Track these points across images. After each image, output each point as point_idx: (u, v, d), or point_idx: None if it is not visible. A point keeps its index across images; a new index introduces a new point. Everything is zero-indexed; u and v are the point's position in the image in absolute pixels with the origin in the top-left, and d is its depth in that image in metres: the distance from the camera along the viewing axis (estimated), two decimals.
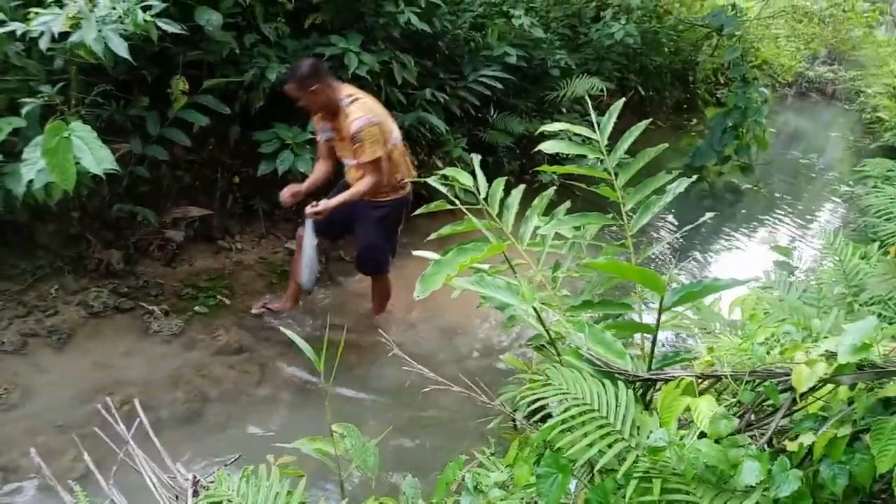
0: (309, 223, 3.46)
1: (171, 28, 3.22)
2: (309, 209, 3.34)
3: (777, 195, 7.35)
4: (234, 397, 3.23)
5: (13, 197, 3.06)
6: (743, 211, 6.96)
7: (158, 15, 3.15)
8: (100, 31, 2.89)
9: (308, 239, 3.49)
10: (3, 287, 3.50)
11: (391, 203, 3.53)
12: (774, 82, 12.05)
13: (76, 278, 3.70)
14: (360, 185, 3.38)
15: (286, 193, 3.47)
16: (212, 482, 1.54)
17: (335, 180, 3.63)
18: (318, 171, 3.59)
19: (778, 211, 6.83)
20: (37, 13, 2.93)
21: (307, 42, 4.40)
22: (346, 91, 3.38)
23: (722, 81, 10.31)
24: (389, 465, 2.74)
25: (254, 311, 3.81)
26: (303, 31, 4.44)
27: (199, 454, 2.74)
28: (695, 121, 9.70)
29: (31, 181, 2.86)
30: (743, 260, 5.62)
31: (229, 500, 1.44)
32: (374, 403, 3.31)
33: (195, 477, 1.85)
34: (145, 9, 3.07)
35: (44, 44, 2.91)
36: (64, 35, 2.96)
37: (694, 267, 5.35)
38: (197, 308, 3.79)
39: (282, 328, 1.88)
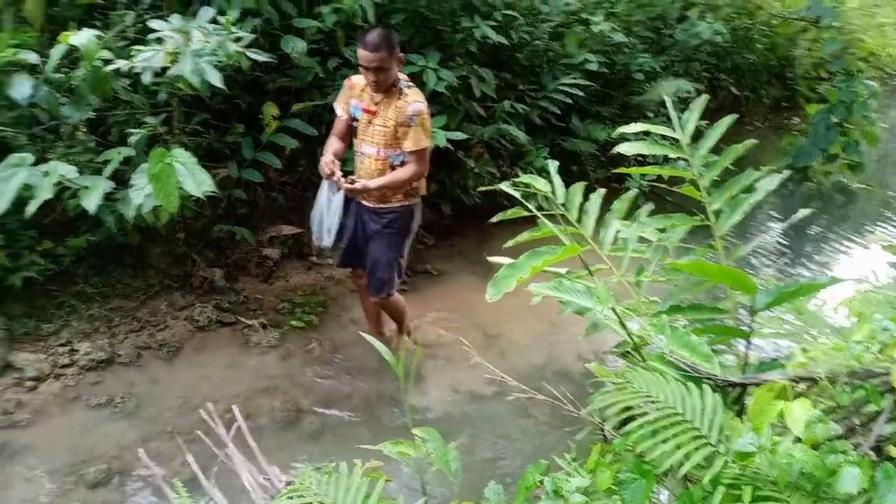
0: (328, 184, 3.16)
1: (261, 57, 3.41)
2: (345, 182, 3.04)
3: (891, 194, 6.83)
4: (327, 406, 3.34)
5: (125, 220, 3.32)
6: (854, 212, 6.51)
7: (248, 46, 3.35)
8: (196, 64, 3.10)
9: (326, 192, 3.17)
10: (119, 304, 3.80)
11: (398, 209, 3.22)
12: (883, 74, 11.21)
13: (183, 295, 3.96)
14: (402, 171, 3.09)
15: (327, 163, 3.10)
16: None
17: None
18: (336, 145, 3.22)
19: (893, 210, 6.34)
20: (139, 50, 3.18)
21: None
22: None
23: (824, 76, 9.72)
24: (472, 472, 2.75)
25: None
26: None
27: (293, 459, 2.86)
28: (796, 119, 9.18)
29: (140, 205, 3.10)
30: (854, 262, 5.25)
31: (311, 495, 1.49)
32: (455, 411, 3.34)
33: (288, 478, 1.93)
34: (236, 40, 3.28)
35: (147, 78, 3.16)
36: (164, 69, 3.20)
37: (803, 270, 5.06)
38: (293, 322, 3.96)
39: (363, 334, 1.94)
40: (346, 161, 3.35)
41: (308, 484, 1.54)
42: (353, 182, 3.05)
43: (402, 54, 3.06)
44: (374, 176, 3.12)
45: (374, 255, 3.30)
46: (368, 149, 3.14)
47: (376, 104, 3.08)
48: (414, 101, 3.03)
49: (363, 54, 2.93)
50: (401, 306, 3.56)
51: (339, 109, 3.23)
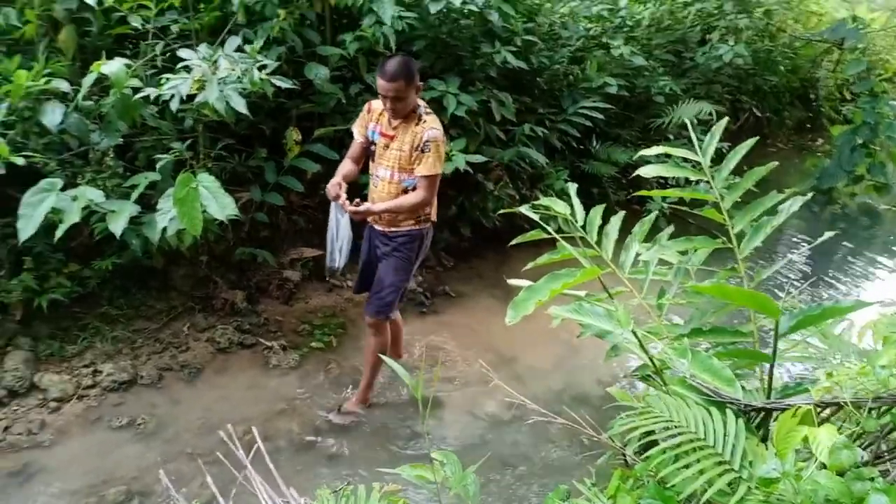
0: (335, 206, 3.15)
1: (285, 84, 3.48)
2: (350, 206, 3.05)
3: None
4: (347, 429, 3.34)
5: (150, 244, 3.38)
6: (881, 233, 6.40)
7: (273, 73, 3.42)
8: (221, 91, 3.18)
9: (335, 214, 3.16)
10: (142, 326, 3.85)
11: (409, 233, 3.21)
12: None
13: (205, 317, 4.00)
14: (410, 196, 3.10)
15: (334, 185, 3.10)
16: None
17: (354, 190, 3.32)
18: (348, 167, 3.22)
19: None
20: (167, 78, 3.27)
21: None
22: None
23: (847, 97, 9.63)
24: (491, 496, 2.72)
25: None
26: None
27: (311, 481, 2.85)
28: (820, 140, 9.11)
29: (164, 228, 3.16)
30: (881, 285, 5.15)
31: None
32: (473, 435, 3.31)
33: (306, 501, 1.93)
34: (261, 68, 3.35)
35: (174, 105, 3.23)
36: (191, 97, 3.28)
37: (828, 294, 4.97)
38: (313, 343, 3.97)
39: (382, 357, 1.94)
40: (364, 185, 3.39)
41: None
42: (357, 205, 3.06)
43: (420, 82, 3.08)
44: (385, 199, 3.14)
45: (380, 276, 3.29)
46: (383, 172, 3.15)
47: (394, 129, 3.10)
48: (431, 127, 3.04)
49: (381, 83, 2.96)
50: (386, 340, 3.42)
51: (357, 133, 3.26)
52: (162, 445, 3.15)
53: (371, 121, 3.19)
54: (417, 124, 3.06)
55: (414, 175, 3.09)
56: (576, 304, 1.78)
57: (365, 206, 3.08)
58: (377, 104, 3.17)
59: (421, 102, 3.13)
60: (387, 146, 3.12)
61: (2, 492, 2.84)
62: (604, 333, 1.95)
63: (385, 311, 3.31)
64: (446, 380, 3.70)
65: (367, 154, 3.25)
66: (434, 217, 3.28)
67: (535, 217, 1.96)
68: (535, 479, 3.03)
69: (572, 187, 2.27)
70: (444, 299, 4.55)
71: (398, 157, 3.09)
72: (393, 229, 3.21)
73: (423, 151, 3.04)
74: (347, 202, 3.07)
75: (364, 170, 3.31)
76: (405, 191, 3.14)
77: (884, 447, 1.41)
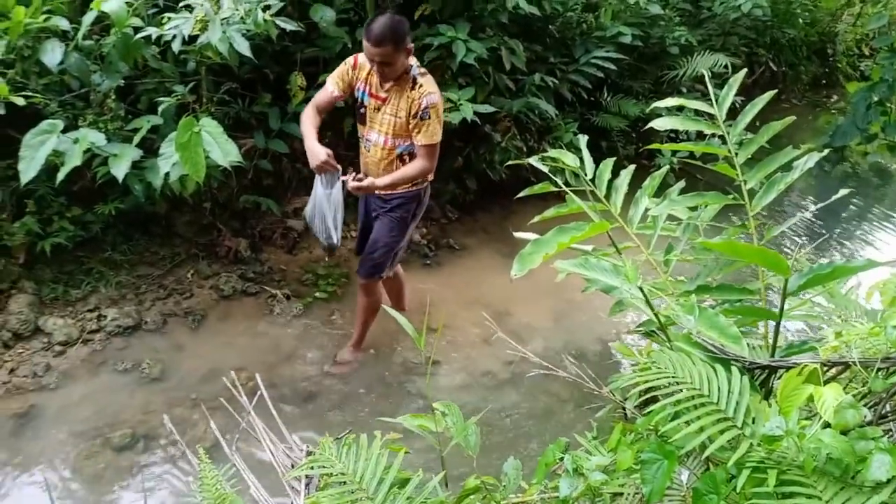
0: (322, 179, 2.98)
1: (289, 26, 3.38)
2: (352, 182, 2.91)
3: None
4: (349, 378, 3.36)
5: (153, 189, 3.35)
6: (891, 193, 6.32)
7: (277, 14, 3.32)
8: (224, 31, 3.09)
9: (321, 188, 2.99)
10: (146, 272, 3.85)
11: (405, 194, 3.09)
12: None
13: (209, 264, 4.00)
14: (410, 167, 2.97)
15: (324, 158, 2.89)
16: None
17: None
18: (315, 123, 3.01)
19: None
20: (169, 18, 3.18)
21: (416, 33, 4.47)
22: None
23: (866, 53, 9.38)
24: (492, 448, 2.75)
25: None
26: (412, 23, 4.51)
27: (314, 428, 2.89)
28: (835, 97, 8.90)
29: (167, 174, 3.12)
30: (890, 246, 5.10)
31: (331, 465, 1.50)
32: (478, 385, 3.33)
33: (308, 448, 1.95)
34: (265, 9, 3.25)
35: (176, 46, 3.15)
36: (193, 38, 3.19)
37: (836, 253, 4.94)
38: (316, 293, 3.98)
39: (386, 308, 1.93)
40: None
41: (328, 454, 1.54)
42: (360, 180, 2.91)
43: (411, 44, 2.88)
44: (379, 165, 3.02)
45: (374, 236, 3.18)
46: (375, 136, 3.00)
47: (386, 91, 2.92)
48: (429, 92, 2.87)
49: (367, 46, 2.77)
50: (377, 300, 3.35)
51: (332, 85, 3.01)
52: (166, 390, 3.19)
53: (358, 80, 2.99)
54: (413, 89, 2.87)
55: (410, 141, 2.96)
56: (582, 259, 1.75)
57: (369, 180, 2.93)
58: (364, 60, 2.92)
59: (413, 62, 2.93)
60: (378, 108, 2.96)
61: (9, 433, 2.89)
62: (609, 288, 1.92)
63: (376, 271, 3.24)
64: (447, 334, 3.71)
65: (330, 107, 3.08)
66: (432, 176, 3.14)
67: (545, 168, 1.91)
68: (535, 434, 3.06)
69: (583, 139, 2.21)
70: (448, 252, 4.53)
71: (392, 122, 2.93)
72: (389, 192, 3.09)
73: (422, 119, 2.87)
74: (349, 179, 2.91)
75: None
76: (400, 157, 3.00)
77: (888, 407, 1.40)
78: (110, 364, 3.30)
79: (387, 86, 2.92)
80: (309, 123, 2.98)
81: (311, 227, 3.13)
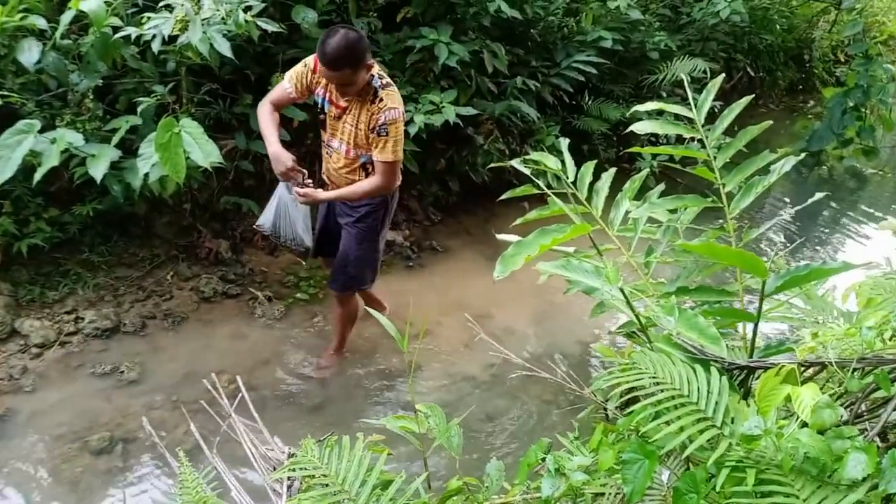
0: (285, 185, 2.99)
1: (271, 27, 3.36)
2: (298, 188, 2.87)
3: None
4: (331, 380, 3.35)
5: (132, 190, 3.31)
6: (866, 197, 6.43)
7: (258, 15, 3.30)
8: (205, 32, 3.07)
9: (285, 193, 3.00)
10: (125, 273, 3.80)
11: (371, 202, 2.98)
12: None
13: (189, 266, 3.96)
14: (365, 183, 2.88)
15: (290, 165, 2.85)
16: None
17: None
18: (275, 121, 2.92)
19: None
20: (149, 18, 3.14)
21: (399, 35, 4.47)
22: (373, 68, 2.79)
23: (841, 59, 9.55)
24: (474, 450, 2.76)
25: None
26: (395, 26, 4.52)
27: (296, 431, 2.87)
28: (811, 102, 9.05)
29: (146, 174, 3.09)
30: (865, 248, 5.20)
31: (313, 467, 1.49)
32: (459, 389, 3.34)
33: (290, 450, 1.93)
34: (246, 10, 3.23)
35: (156, 46, 3.12)
36: (173, 38, 3.16)
37: (811, 256, 5.02)
38: (298, 295, 3.96)
39: (367, 309, 1.93)
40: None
41: (310, 456, 1.54)
42: (306, 183, 2.87)
43: (371, 60, 2.72)
44: (341, 172, 2.95)
45: (344, 249, 3.08)
46: (337, 144, 2.91)
47: (347, 101, 2.81)
48: (388, 107, 2.73)
49: (321, 69, 2.63)
50: (354, 310, 3.29)
51: (290, 84, 2.84)
52: (145, 393, 3.15)
53: (318, 84, 2.83)
54: (373, 102, 2.74)
55: (371, 154, 2.86)
56: (564, 261, 1.77)
57: (317, 192, 2.88)
58: None
59: (376, 71, 2.78)
60: (339, 117, 2.85)
61: None
62: (591, 290, 1.94)
63: (353, 284, 3.19)
64: (429, 337, 3.71)
65: (287, 104, 2.99)
66: (399, 181, 3.04)
67: (527, 171, 1.93)
68: (518, 435, 3.07)
69: (564, 142, 2.23)
70: (431, 254, 4.53)
71: (353, 133, 2.83)
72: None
73: (379, 135, 2.76)
74: (302, 187, 2.85)
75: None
76: (363, 166, 2.93)
77: (864, 407, 1.43)
78: (88, 366, 3.26)
79: (355, 98, 2.81)
80: (270, 124, 2.87)
81: (276, 236, 3.09)
